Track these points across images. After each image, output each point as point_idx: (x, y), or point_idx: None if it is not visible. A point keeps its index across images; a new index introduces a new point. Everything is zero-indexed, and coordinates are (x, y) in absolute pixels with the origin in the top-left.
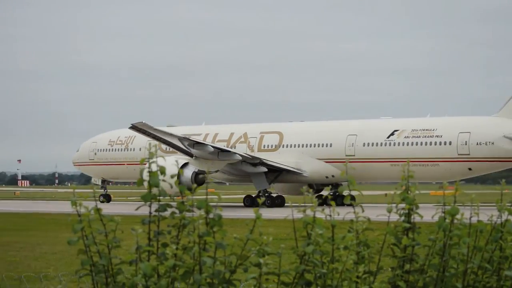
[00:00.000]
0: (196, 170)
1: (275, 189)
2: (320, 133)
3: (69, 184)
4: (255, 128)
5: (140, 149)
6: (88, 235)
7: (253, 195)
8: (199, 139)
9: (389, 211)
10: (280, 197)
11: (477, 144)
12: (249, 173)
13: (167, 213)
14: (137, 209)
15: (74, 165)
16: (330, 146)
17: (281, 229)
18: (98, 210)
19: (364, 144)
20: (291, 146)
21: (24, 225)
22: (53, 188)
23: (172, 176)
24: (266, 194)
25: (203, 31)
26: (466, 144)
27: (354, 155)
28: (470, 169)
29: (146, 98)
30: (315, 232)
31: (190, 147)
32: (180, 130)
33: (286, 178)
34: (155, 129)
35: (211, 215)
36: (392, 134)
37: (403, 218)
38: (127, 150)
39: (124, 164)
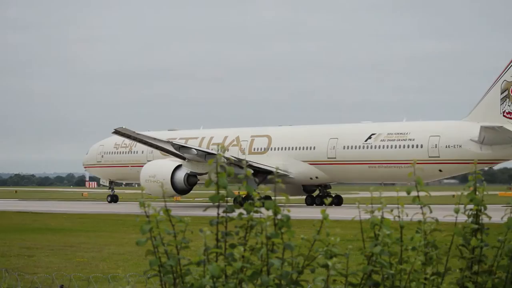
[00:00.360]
0: (189, 172)
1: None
2: (304, 137)
3: (136, 185)
4: (247, 132)
5: (142, 152)
6: (156, 236)
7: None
8: (196, 142)
9: (457, 211)
10: (267, 197)
11: (446, 147)
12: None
13: (234, 214)
14: (205, 210)
15: (84, 167)
16: (314, 149)
17: (348, 230)
18: (167, 211)
19: (344, 147)
20: (278, 149)
21: (92, 226)
22: (120, 189)
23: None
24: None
25: (284, 31)
26: (436, 147)
27: (335, 158)
28: (440, 170)
29: (228, 100)
30: (383, 233)
31: (176, 150)
32: (179, 134)
33: (273, 179)
34: (137, 134)
35: (279, 216)
36: (369, 137)
37: (471, 219)
38: (131, 153)
39: (128, 166)
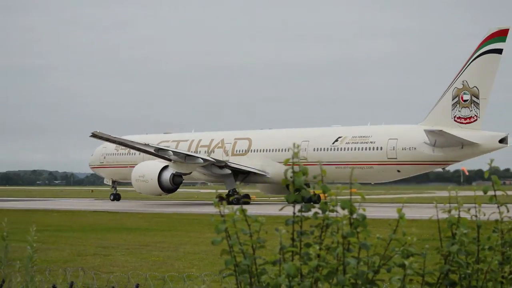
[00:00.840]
0: (174, 172)
1: (262, 190)
2: (280, 140)
3: (211, 185)
4: (231, 135)
5: (139, 153)
6: (232, 235)
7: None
8: (186, 144)
9: None
10: (246, 196)
11: (403, 149)
12: (222, 175)
13: (310, 214)
14: (281, 209)
15: (90, 167)
16: (288, 150)
17: (424, 229)
18: (243, 210)
19: (314, 149)
20: (257, 151)
21: (167, 225)
22: (195, 189)
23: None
24: (235, 193)
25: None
26: (394, 149)
27: (306, 159)
28: (398, 171)
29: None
30: (460, 232)
31: (156, 152)
32: (173, 137)
33: (253, 179)
34: (114, 137)
35: (354, 216)
36: (336, 140)
37: None
38: (130, 154)
39: (127, 167)
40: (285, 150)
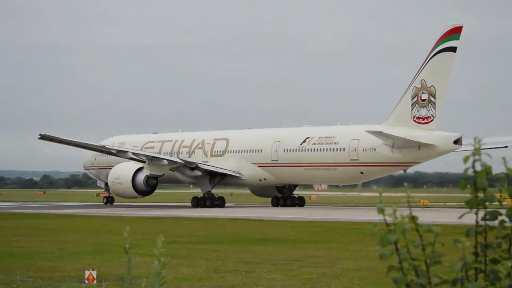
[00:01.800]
0: (148, 174)
1: (251, 191)
2: (254, 140)
3: (375, 188)
4: (211, 135)
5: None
6: (402, 248)
7: (199, 197)
8: (170, 145)
9: None
10: (220, 198)
11: (364, 150)
12: (196, 177)
13: (495, 222)
14: (460, 217)
15: (84, 169)
16: (261, 151)
17: None
18: (413, 218)
19: (284, 150)
20: (234, 152)
21: (321, 236)
22: (356, 192)
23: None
24: (210, 196)
25: None
26: (355, 150)
27: (277, 160)
28: (362, 172)
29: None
30: None
31: (116, 154)
32: (159, 137)
33: (230, 181)
34: (63, 139)
35: None
36: (304, 141)
37: None
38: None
39: None
40: (258, 151)
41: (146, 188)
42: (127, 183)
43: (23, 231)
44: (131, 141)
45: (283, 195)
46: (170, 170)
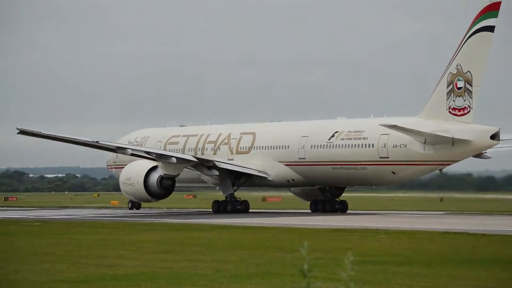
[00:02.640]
0: (162, 174)
1: (294, 194)
2: (280, 135)
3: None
4: (238, 129)
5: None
6: None
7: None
8: (194, 140)
9: None
10: (244, 202)
11: (394, 146)
12: (216, 177)
13: None
14: None
15: (108, 168)
16: (287, 148)
17: None
18: None
19: (311, 146)
20: (260, 148)
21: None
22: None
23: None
24: (232, 199)
25: None
26: (385, 147)
27: (304, 158)
28: (393, 172)
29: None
30: None
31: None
32: (184, 131)
33: (254, 182)
34: (43, 134)
35: None
36: (332, 136)
37: None
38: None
39: None
40: (284, 147)
41: (160, 190)
42: (139, 184)
43: (166, 247)
44: (155, 136)
45: (324, 198)
46: (188, 168)
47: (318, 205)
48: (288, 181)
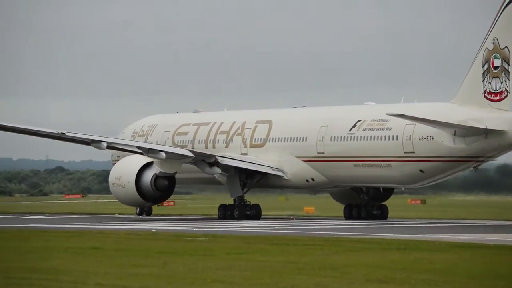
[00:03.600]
0: (157, 172)
1: (332, 196)
2: (298, 124)
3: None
4: (254, 116)
5: (157, 143)
6: None
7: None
8: (206, 129)
9: None
10: (254, 207)
11: (420, 139)
12: (227, 176)
13: None
14: None
15: (112, 163)
16: (305, 140)
17: None
18: None
19: (331, 138)
20: (276, 140)
21: None
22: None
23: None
24: (241, 203)
25: None
26: (410, 139)
27: (323, 152)
28: (422, 171)
29: None
30: None
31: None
32: (196, 119)
33: (269, 182)
34: (14, 127)
35: None
36: (354, 125)
37: None
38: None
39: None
40: (301, 140)
41: (155, 192)
42: (129, 185)
43: (384, 273)
44: (163, 123)
45: (360, 202)
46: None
47: (353, 210)
48: (307, 180)
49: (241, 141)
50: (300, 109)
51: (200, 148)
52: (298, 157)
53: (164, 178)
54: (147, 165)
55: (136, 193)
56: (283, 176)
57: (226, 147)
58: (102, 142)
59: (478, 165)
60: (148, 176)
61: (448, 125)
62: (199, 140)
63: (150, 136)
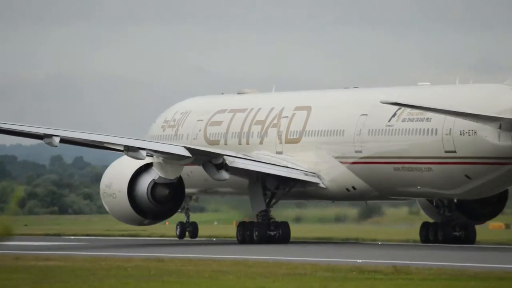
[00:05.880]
0: (156, 178)
1: (421, 207)
2: (337, 111)
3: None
4: (293, 100)
5: (188, 135)
6: None
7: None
8: (242, 116)
9: None
10: (282, 225)
11: (461, 133)
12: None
13: None
14: None
15: None
16: (342, 134)
17: None
18: None
19: (369, 132)
20: (312, 134)
21: None
22: None
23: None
24: (265, 220)
25: None
26: (450, 134)
27: (361, 151)
28: (468, 177)
29: None
30: None
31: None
32: (234, 102)
33: (300, 191)
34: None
35: None
36: (394, 115)
37: None
38: (176, 136)
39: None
40: (338, 134)
41: (153, 204)
42: (121, 195)
43: None
44: (198, 110)
45: (441, 220)
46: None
47: (430, 231)
48: (347, 189)
49: (276, 135)
50: (346, 91)
51: (233, 145)
52: (336, 158)
53: (164, 186)
54: (145, 168)
55: (129, 206)
56: (318, 184)
57: (261, 143)
58: (53, 137)
59: None
60: (144, 183)
61: (466, 115)
62: (233, 134)
63: (181, 127)
